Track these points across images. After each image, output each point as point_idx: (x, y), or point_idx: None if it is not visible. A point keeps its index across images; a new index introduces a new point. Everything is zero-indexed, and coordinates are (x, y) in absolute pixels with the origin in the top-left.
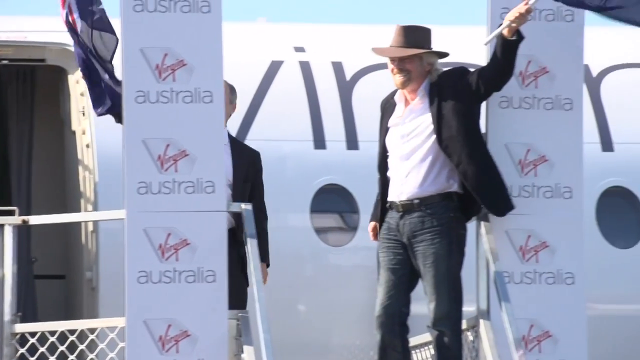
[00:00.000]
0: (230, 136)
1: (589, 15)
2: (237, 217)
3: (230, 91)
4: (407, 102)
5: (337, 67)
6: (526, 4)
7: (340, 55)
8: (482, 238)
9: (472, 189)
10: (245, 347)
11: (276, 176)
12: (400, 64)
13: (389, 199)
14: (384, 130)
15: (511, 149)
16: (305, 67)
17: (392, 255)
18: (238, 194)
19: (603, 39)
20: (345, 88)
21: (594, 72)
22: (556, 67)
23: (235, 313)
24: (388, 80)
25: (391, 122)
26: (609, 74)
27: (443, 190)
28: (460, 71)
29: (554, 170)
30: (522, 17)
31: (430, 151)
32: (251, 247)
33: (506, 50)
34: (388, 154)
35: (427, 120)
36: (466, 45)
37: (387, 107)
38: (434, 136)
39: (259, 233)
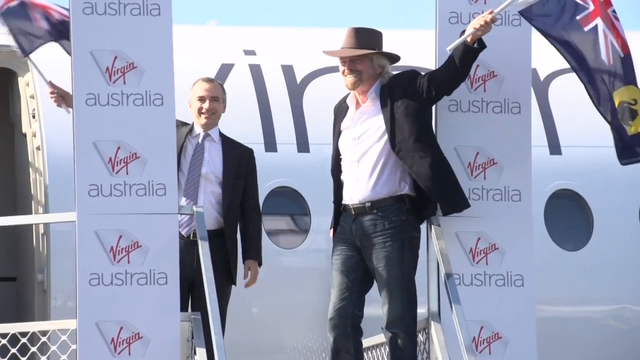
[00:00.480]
0: (221, 134)
1: None
2: (226, 216)
3: (223, 90)
4: (358, 105)
5: (288, 70)
6: (491, 12)
7: (290, 59)
8: (432, 240)
9: (426, 189)
10: (198, 349)
11: None
12: (351, 64)
13: (343, 202)
14: (336, 133)
15: (460, 152)
16: (256, 70)
17: (346, 258)
18: (229, 191)
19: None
20: (296, 91)
21: (542, 76)
22: (504, 71)
23: (188, 315)
24: (338, 83)
25: (343, 125)
26: (556, 78)
27: (395, 193)
28: (410, 74)
29: (502, 174)
30: (487, 26)
31: (382, 153)
32: (202, 249)
33: (466, 57)
34: (341, 157)
35: (378, 122)
36: (415, 48)
37: (340, 110)
38: (386, 138)
39: (252, 231)
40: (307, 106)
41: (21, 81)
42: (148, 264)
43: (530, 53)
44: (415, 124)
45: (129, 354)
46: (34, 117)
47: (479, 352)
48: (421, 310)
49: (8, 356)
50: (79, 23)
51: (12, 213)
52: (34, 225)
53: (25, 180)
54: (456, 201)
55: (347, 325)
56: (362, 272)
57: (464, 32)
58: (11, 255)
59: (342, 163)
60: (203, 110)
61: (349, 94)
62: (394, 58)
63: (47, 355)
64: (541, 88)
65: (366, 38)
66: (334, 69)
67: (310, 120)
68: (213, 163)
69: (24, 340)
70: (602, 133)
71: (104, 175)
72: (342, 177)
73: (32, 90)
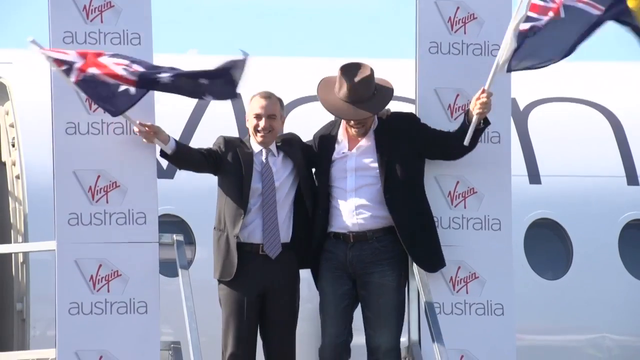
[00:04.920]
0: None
1: None
2: (298, 227)
3: (281, 106)
4: (350, 137)
5: None
6: (483, 91)
7: (271, 87)
8: (413, 269)
9: (406, 247)
10: None
11: (212, 206)
12: (360, 121)
13: (335, 229)
14: (325, 161)
15: (441, 181)
16: (237, 99)
17: (338, 286)
18: (308, 185)
19: (529, 74)
20: None
21: (521, 106)
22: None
23: (168, 344)
24: (319, 112)
25: (337, 154)
26: (535, 107)
27: (390, 224)
28: (411, 118)
29: (482, 203)
30: (488, 103)
31: (380, 189)
32: (182, 278)
33: (476, 138)
34: (332, 185)
35: (374, 161)
36: (396, 78)
37: (327, 138)
38: (381, 177)
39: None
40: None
41: (1, 110)
42: (128, 293)
43: (509, 83)
44: (409, 173)
45: None
46: (13, 145)
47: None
48: (402, 339)
49: None
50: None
51: None
52: (13, 254)
53: (5, 209)
54: (436, 262)
55: (343, 351)
56: (353, 299)
57: (467, 111)
58: None
59: (332, 191)
60: (259, 129)
61: (335, 122)
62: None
63: None
64: (521, 117)
65: (369, 88)
66: (314, 98)
67: None
68: (282, 176)
69: None
70: (581, 162)
71: (84, 204)
72: (334, 204)
73: (11, 119)
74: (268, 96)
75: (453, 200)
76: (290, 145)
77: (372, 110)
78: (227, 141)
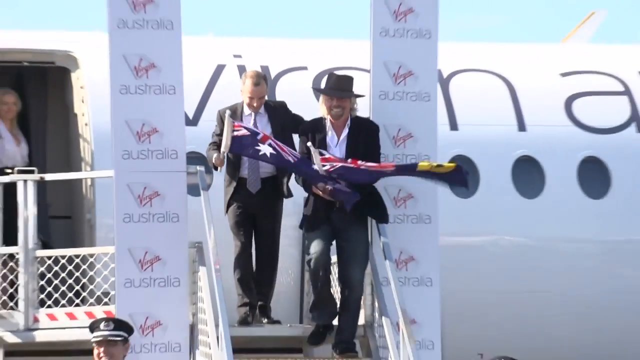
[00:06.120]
0: (265, 103)
1: (442, 32)
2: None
3: (266, 82)
4: (336, 132)
5: (264, 69)
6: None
7: (267, 60)
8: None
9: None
10: (200, 267)
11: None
12: (340, 102)
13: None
14: (320, 144)
15: (389, 129)
16: (242, 69)
17: (325, 230)
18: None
19: (450, 51)
20: (271, 83)
21: (445, 74)
22: (418, 70)
23: (193, 243)
24: (301, 79)
25: (324, 143)
26: (455, 75)
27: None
28: (376, 129)
29: (417, 145)
30: (325, 192)
31: None
32: (203, 196)
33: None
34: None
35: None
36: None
37: (317, 128)
38: None
39: None
40: (279, 95)
41: (73, 75)
42: (165, 207)
43: (436, 57)
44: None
45: (152, 270)
46: (82, 101)
47: (399, 269)
48: None
49: (66, 271)
50: (115, 34)
51: (68, 170)
52: (84, 179)
53: (77, 147)
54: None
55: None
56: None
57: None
58: (67, 200)
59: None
60: (254, 104)
61: (320, 118)
62: (360, 95)
63: (94, 271)
64: (444, 82)
65: (350, 83)
66: (298, 68)
67: None
68: (267, 132)
69: (77, 260)
70: (486, 114)
71: (133, 144)
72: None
73: (81, 82)
74: (258, 83)
75: (397, 142)
76: (274, 110)
77: (352, 94)
78: (221, 114)
